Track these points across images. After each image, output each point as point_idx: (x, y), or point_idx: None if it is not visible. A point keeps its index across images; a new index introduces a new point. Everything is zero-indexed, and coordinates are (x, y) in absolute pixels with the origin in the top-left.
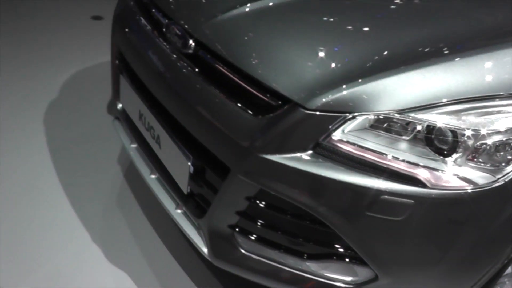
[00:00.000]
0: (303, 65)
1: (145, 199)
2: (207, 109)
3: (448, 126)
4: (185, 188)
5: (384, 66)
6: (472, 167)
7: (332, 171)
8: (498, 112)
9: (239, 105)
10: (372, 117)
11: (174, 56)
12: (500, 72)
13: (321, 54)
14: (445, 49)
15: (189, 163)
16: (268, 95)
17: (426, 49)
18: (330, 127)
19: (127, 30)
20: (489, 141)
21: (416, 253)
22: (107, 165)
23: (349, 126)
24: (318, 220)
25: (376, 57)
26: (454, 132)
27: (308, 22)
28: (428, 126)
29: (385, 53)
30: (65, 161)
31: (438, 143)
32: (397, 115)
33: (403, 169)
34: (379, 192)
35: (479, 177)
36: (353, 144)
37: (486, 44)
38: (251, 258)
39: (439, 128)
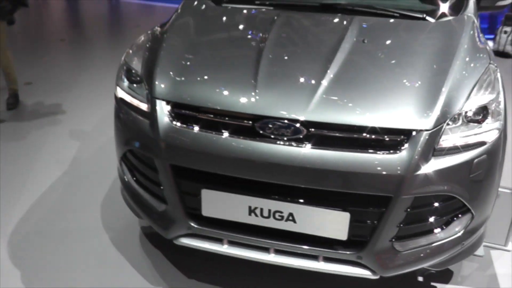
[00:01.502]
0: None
1: None
2: (349, 170)
3: None
4: (344, 235)
5: None
6: None
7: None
8: None
9: (371, 153)
10: None
11: (281, 143)
12: None
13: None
14: None
15: (347, 213)
16: (387, 134)
17: None
18: (439, 136)
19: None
20: None
21: (488, 191)
22: None
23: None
24: (445, 198)
25: None
26: None
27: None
28: None
29: None
30: None
31: None
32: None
33: None
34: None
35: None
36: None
37: None
38: (409, 253)
39: None
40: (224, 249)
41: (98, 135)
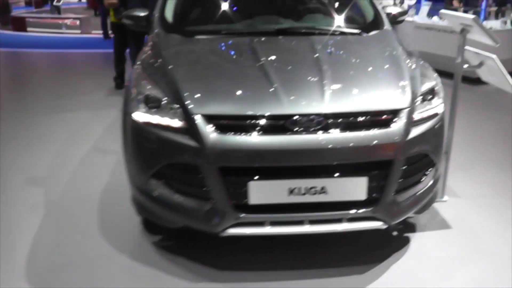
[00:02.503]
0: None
1: None
2: (362, 144)
3: None
4: (364, 196)
5: None
6: None
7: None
8: None
9: (374, 129)
10: None
11: (308, 133)
12: None
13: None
14: None
15: (365, 178)
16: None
17: None
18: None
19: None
20: None
21: (442, 149)
22: None
23: None
24: (421, 157)
25: None
26: None
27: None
28: None
29: None
30: None
31: None
32: None
33: None
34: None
35: None
36: None
37: None
38: (405, 203)
39: None
40: (267, 230)
41: (57, 177)
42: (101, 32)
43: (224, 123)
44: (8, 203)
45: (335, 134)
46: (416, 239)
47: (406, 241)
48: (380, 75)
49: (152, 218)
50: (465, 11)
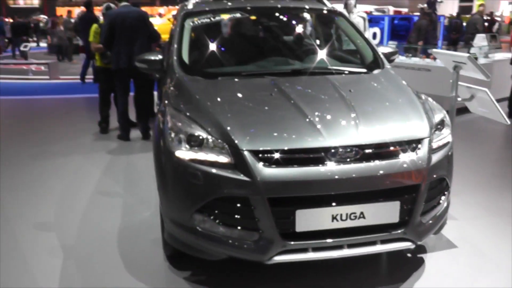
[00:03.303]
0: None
1: None
2: (394, 171)
3: None
4: (397, 219)
5: None
6: None
7: (441, 155)
8: None
9: (403, 158)
10: None
11: (342, 164)
12: None
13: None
14: None
15: (397, 202)
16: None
17: None
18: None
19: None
20: None
21: (452, 173)
22: None
23: None
24: (440, 181)
25: None
26: None
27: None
28: None
29: None
30: None
31: None
32: None
33: None
34: None
35: None
36: None
37: None
38: (428, 223)
39: None
40: (310, 255)
41: (67, 223)
42: (70, 77)
43: (271, 157)
44: (22, 249)
45: (371, 163)
46: (429, 259)
47: (421, 261)
48: (399, 108)
49: (193, 253)
50: (425, 49)
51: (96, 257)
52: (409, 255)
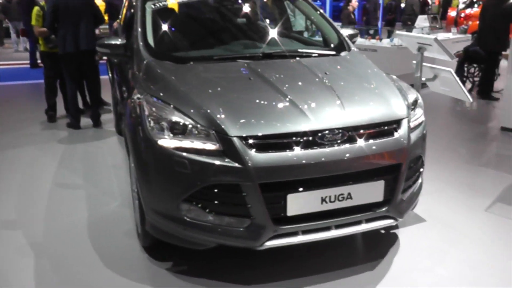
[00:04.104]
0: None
1: None
2: (378, 151)
3: None
4: (381, 197)
5: None
6: None
7: (418, 134)
8: None
9: (387, 138)
10: None
11: (330, 147)
12: None
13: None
14: None
15: (382, 181)
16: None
17: None
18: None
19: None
20: None
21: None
22: None
23: None
24: (417, 159)
25: None
26: None
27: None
28: None
29: None
30: None
31: None
32: None
33: None
34: None
35: None
36: None
37: None
38: (408, 200)
39: None
40: (300, 238)
41: (31, 218)
42: (5, 63)
43: (261, 143)
44: None
45: (357, 144)
46: (402, 234)
47: (395, 237)
48: (377, 90)
49: (179, 243)
50: (367, 30)
51: (69, 254)
52: (382, 231)
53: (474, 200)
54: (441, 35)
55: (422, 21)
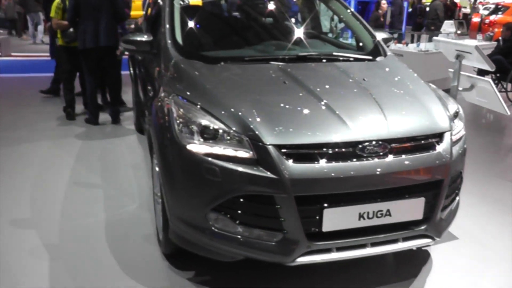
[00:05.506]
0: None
1: None
2: (420, 166)
3: None
4: (421, 215)
5: None
6: None
7: (459, 149)
8: None
9: (430, 152)
10: None
11: (371, 159)
12: None
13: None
14: None
15: (423, 198)
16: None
17: None
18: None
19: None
20: None
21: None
22: None
23: None
24: (457, 175)
25: None
26: None
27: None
28: None
29: None
30: None
31: None
32: None
33: None
34: None
35: None
36: None
37: None
38: (447, 218)
39: None
40: (334, 256)
41: (46, 218)
42: (23, 54)
43: (299, 152)
44: (1, 249)
45: (399, 158)
46: (434, 252)
47: (427, 255)
48: (418, 100)
49: (204, 253)
50: (391, 33)
51: (85, 258)
52: (414, 248)
53: (506, 217)
54: (467, 42)
55: (448, 26)
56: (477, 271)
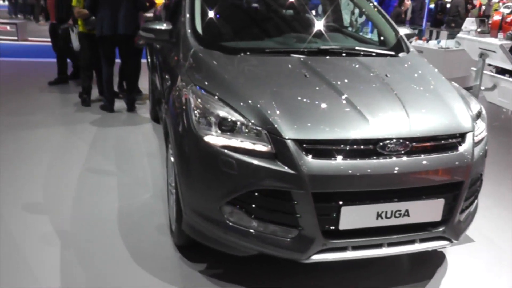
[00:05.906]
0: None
1: None
2: (441, 167)
3: None
4: (439, 217)
5: None
6: None
7: (481, 150)
8: None
9: (451, 152)
10: None
11: (391, 158)
12: None
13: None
14: None
15: (442, 199)
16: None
17: None
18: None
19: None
20: None
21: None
22: None
23: None
24: (478, 177)
25: None
26: None
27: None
28: None
29: None
30: None
31: None
32: None
33: None
34: None
35: None
36: None
37: None
38: (465, 221)
39: None
40: (349, 254)
41: (59, 204)
42: (40, 39)
43: (318, 148)
44: (12, 235)
45: (420, 157)
46: (450, 255)
47: (443, 257)
48: (441, 98)
49: (218, 247)
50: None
51: (97, 246)
52: (429, 250)
53: None
54: (487, 40)
55: (469, 24)
56: (493, 274)
